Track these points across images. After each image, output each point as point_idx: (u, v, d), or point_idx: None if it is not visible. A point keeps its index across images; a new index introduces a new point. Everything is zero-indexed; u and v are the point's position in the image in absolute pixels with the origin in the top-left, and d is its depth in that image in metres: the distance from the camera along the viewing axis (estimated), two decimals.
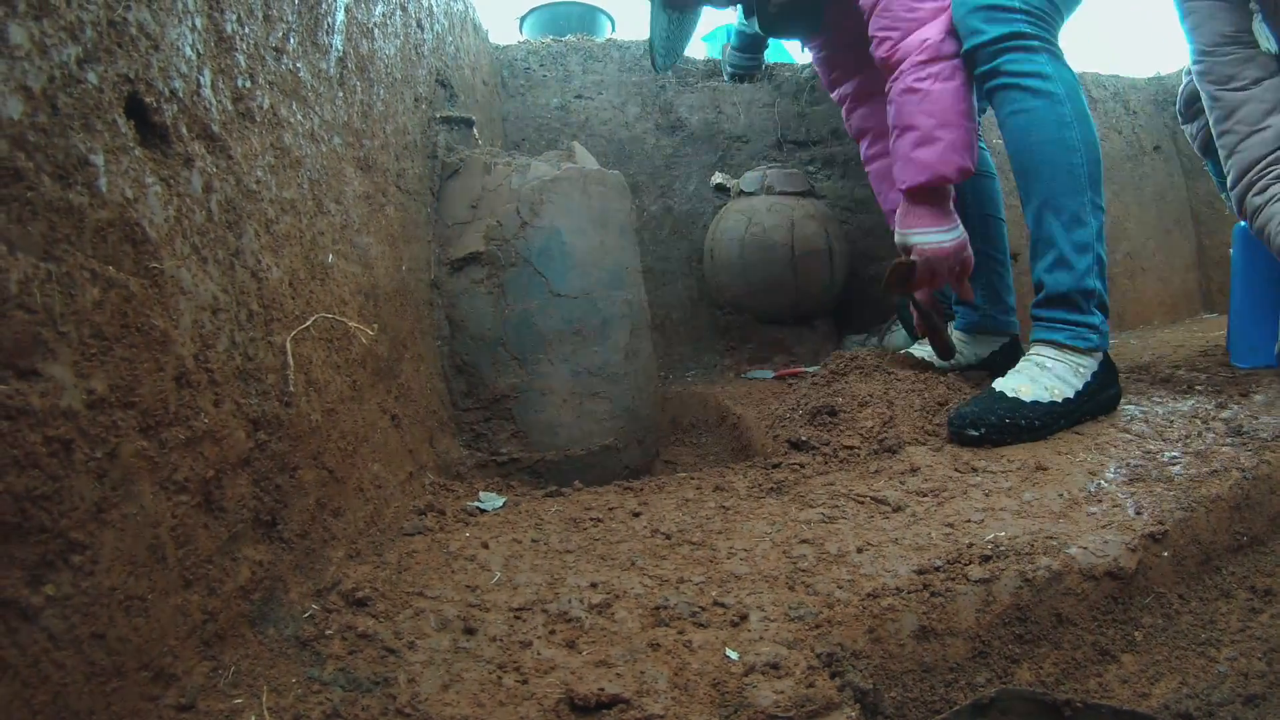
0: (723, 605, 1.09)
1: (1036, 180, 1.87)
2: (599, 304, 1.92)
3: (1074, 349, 1.82)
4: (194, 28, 0.95)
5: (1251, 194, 1.76)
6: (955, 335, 2.41)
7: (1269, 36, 1.70)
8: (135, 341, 0.81)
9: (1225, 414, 1.70)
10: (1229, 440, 1.54)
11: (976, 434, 1.69)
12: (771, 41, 3.46)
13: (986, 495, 1.40)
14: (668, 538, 1.34)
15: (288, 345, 1.13)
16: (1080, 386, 1.78)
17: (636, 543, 1.33)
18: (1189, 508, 1.26)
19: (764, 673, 0.93)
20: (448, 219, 1.92)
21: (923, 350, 2.68)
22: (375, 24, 1.58)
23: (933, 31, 1.89)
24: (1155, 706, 1.08)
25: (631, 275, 2.03)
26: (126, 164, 0.82)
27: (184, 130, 0.93)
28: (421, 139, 1.90)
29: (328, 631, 1.02)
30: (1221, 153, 1.84)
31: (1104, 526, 1.22)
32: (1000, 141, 1.99)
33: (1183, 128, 2.50)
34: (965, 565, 1.13)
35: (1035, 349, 1.87)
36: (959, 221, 1.96)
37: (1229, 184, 1.84)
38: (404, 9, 1.78)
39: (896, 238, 1.97)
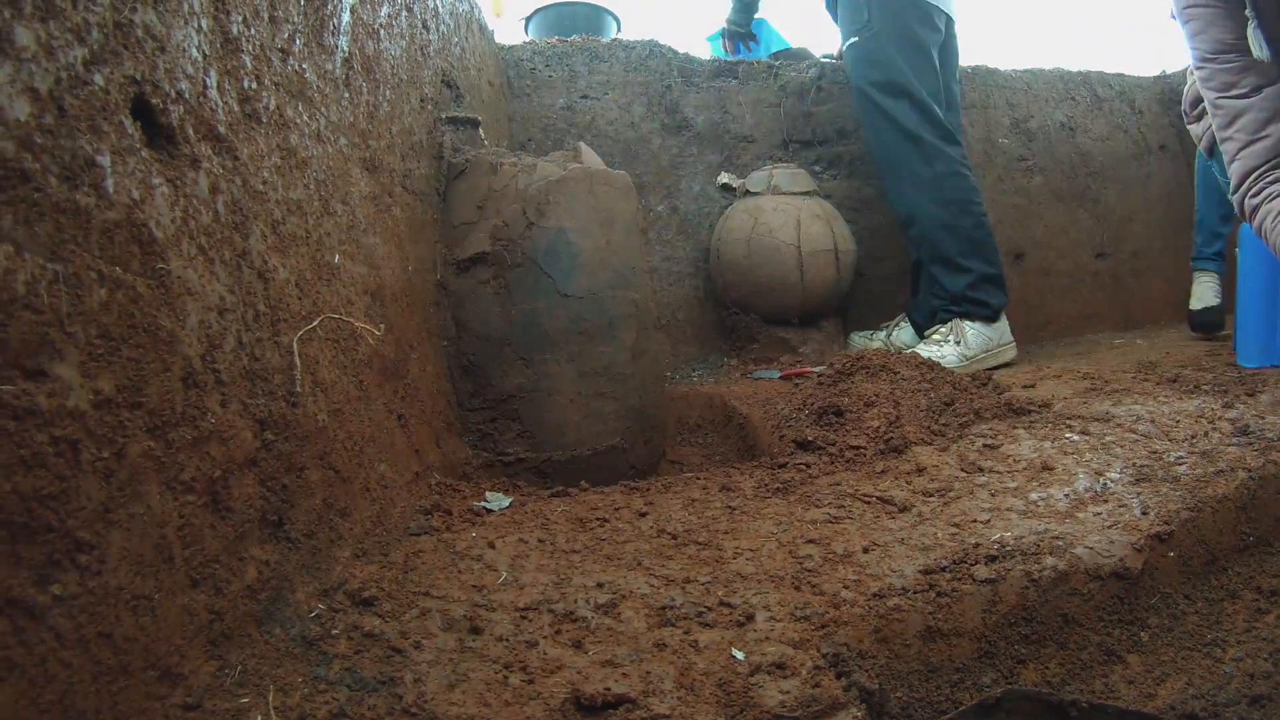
0: (729, 605, 1.09)
1: None
2: (605, 304, 1.92)
3: None
4: (200, 29, 0.96)
5: (1249, 196, 1.76)
6: None
7: (1262, 44, 1.70)
8: (142, 342, 0.82)
9: (1231, 414, 1.69)
10: (1235, 440, 1.54)
11: None
12: (766, 29, 3.62)
13: (993, 495, 1.40)
14: (674, 538, 1.34)
15: (294, 346, 1.13)
16: None
17: (643, 543, 1.33)
18: (1195, 508, 1.26)
19: (770, 673, 0.93)
20: (454, 219, 1.92)
21: (928, 350, 2.69)
22: (381, 25, 1.58)
23: None
24: (1161, 707, 1.07)
25: (638, 275, 2.03)
26: (133, 165, 0.82)
27: (190, 131, 0.93)
28: (427, 140, 1.90)
29: (334, 631, 1.02)
30: (1225, 159, 1.84)
31: (1110, 527, 1.22)
32: None
33: (1189, 128, 2.49)
34: (971, 565, 1.13)
35: None
36: None
37: (1230, 189, 1.84)
38: (409, 10, 1.78)
39: None
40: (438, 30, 2.04)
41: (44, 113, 0.70)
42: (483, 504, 1.57)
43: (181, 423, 0.87)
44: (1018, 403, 1.93)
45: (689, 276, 3.40)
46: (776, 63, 3.61)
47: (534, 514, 1.51)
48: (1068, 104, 4.01)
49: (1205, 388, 1.97)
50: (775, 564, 1.21)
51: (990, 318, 2.91)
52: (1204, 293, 3.36)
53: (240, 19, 1.05)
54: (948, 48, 3.16)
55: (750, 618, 1.05)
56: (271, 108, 1.13)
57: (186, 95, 0.93)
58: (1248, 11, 1.72)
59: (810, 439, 1.83)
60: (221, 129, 1.00)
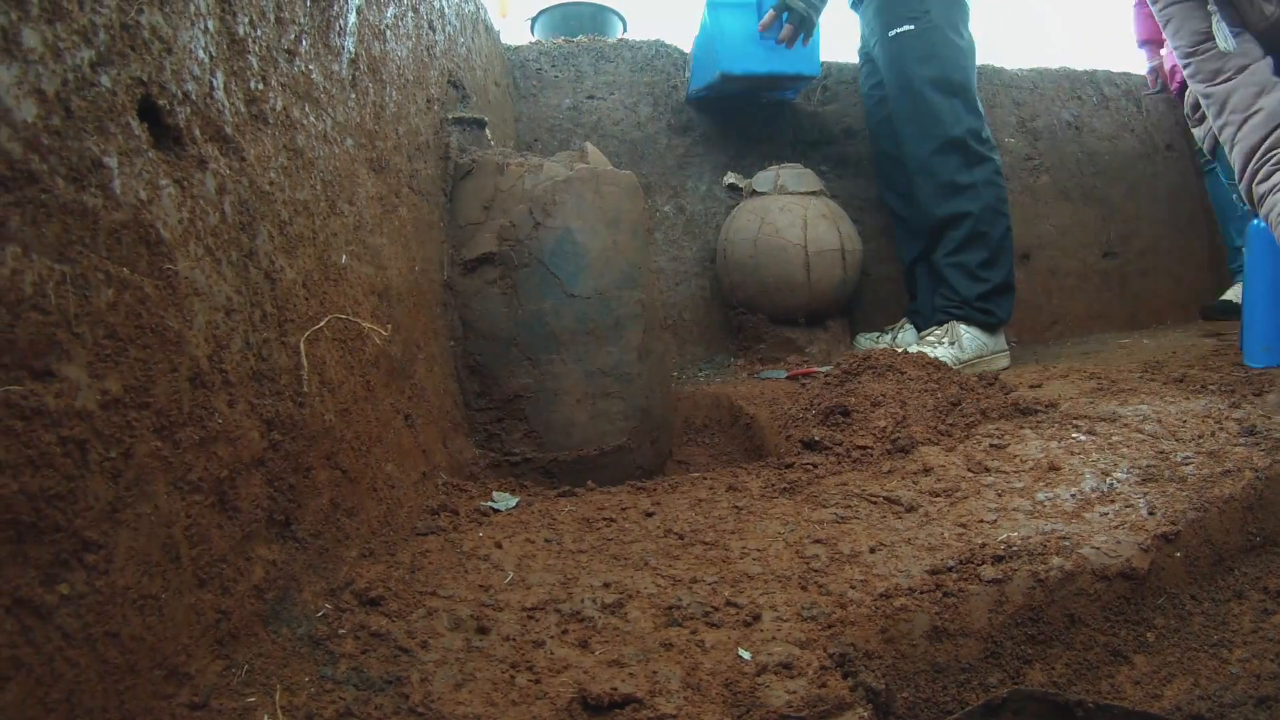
0: (735, 605, 1.09)
1: None
2: (612, 304, 1.92)
3: None
4: (206, 30, 0.96)
5: (1256, 182, 1.75)
6: None
7: (1227, 35, 1.71)
8: (149, 342, 0.82)
9: (1238, 414, 1.69)
10: (1242, 440, 1.53)
11: None
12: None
13: (999, 495, 1.40)
14: (681, 538, 1.34)
15: (301, 346, 1.14)
16: None
17: (649, 543, 1.33)
18: (1202, 508, 1.25)
19: (776, 673, 0.93)
20: (460, 220, 1.93)
21: (935, 349, 2.68)
22: (387, 26, 1.59)
23: None
24: (1167, 708, 1.07)
25: (644, 275, 2.03)
26: (140, 166, 0.82)
27: (197, 132, 0.93)
28: (434, 140, 1.91)
29: (341, 630, 1.02)
30: (1225, 147, 1.84)
31: (1116, 527, 1.22)
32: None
33: (1193, 130, 2.49)
34: (978, 565, 1.12)
35: None
36: None
37: (1236, 175, 1.84)
38: (415, 11, 1.79)
39: None
40: (443, 31, 2.04)
41: (51, 114, 0.70)
42: (489, 504, 1.57)
43: (189, 423, 0.87)
44: (1024, 403, 1.92)
45: (695, 276, 3.40)
46: None
47: (541, 514, 1.51)
48: (1074, 103, 4.00)
49: (1212, 387, 1.96)
50: (782, 564, 1.21)
51: (992, 327, 2.87)
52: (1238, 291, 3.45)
53: (247, 20, 1.06)
54: None
55: (757, 618, 1.05)
56: (278, 108, 1.14)
57: (193, 96, 0.93)
58: (1210, 7, 1.73)
59: (817, 439, 1.82)
60: (228, 130, 1.00)
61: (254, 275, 1.04)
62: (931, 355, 2.38)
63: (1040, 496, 1.37)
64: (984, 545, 1.18)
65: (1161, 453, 1.54)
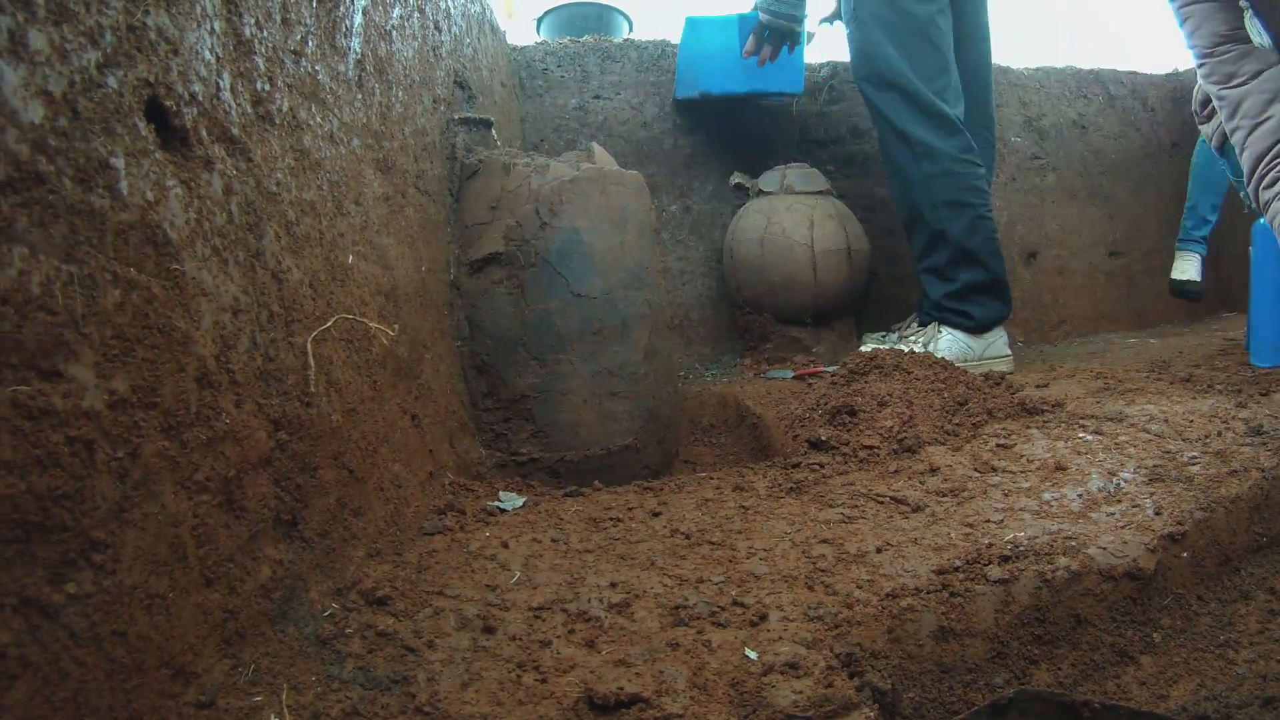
0: (742, 605, 1.09)
1: None
2: (618, 304, 1.92)
3: None
4: (213, 31, 0.96)
5: (1262, 187, 1.75)
6: None
7: (1260, 30, 1.70)
8: (157, 342, 0.82)
9: (1245, 413, 1.68)
10: (1248, 440, 1.53)
11: None
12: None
13: (1006, 495, 1.40)
14: (687, 537, 1.34)
15: (308, 346, 1.14)
16: None
17: (656, 542, 1.33)
18: (1208, 508, 1.25)
19: (783, 672, 0.93)
20: (467, 220, 1.93)
21: (942, 350, 2.67)
22: (393, 26, 1.59)
23: None
24: (1173, 708, 1.07)
25: (651, 275, 2.03)
26: (147, 167, 0.83)
27: (204, 133, 0.94)
28: (440, 140, 1.91)
29: (347, 630, 1.03)
30: (1236, 150, 1.84)
31: (1123, 527, 1.21)
32: None
33: (1200, 128, 2.48)
34: (984, 566, 1.12)
35: None
36: None
37: (1245, 179, 1.83)
38: (421, 11, 1.79)
39: None
40: (449, 31, 2.04)
41: (58, 115, 0.70)
42: (496, 504, 1.57)
43: (196, 423, 0.88)
44: (1031, 402, 1.92)
45: (702, 276, 3.40)
46: None
47: (547, 514, 1.51)
48: (1080, 102, 3.99)
49: (1218, 387, 1.96)
50: (788, 564, 1.21)
51: (973, 329, 2.70)
52: (1186, 267, 3.65)
53: (253, 21, 1.06)
54: (964, 19, 2.86)
55: (763, 617, 1.05)
56: (285, 109, 1.14)
57: (200, 97, 0.93)
58: (1242, 2, 1.72)
59: (823, 439, 1.82)
60: (235, 131, 1.00)
61: (261, 275, 1.04)
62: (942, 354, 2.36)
63: (1047, 496, 1.37)
64: (990, 545, 1.18)
65: (1168, 453, 1.53)
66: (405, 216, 1.61)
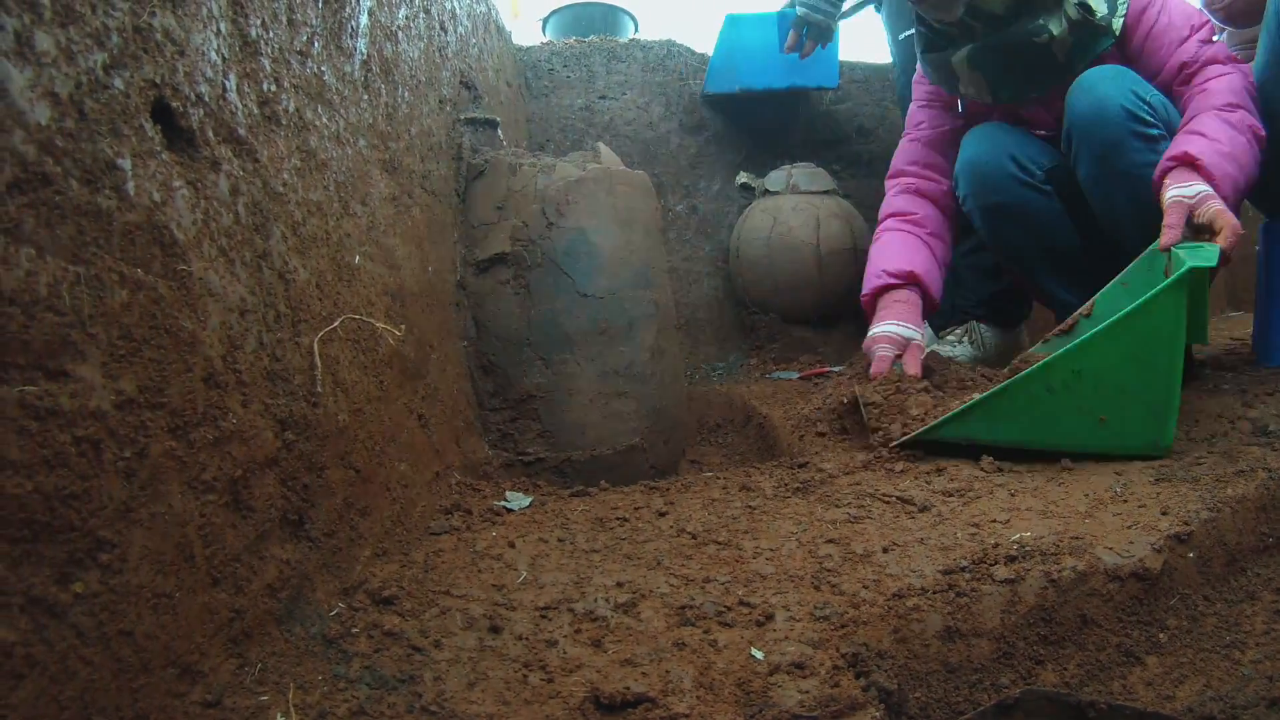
0: (748, 605, 1.09)
1: None
2: (625, 304, 1.92)
3: None
4: (219, 32, 0.96)
5: None
6: None
7: None
8: (164, 343, 0.82)
9: (1252, 413, 1.67)
10: (1255, 440, 1.52)
11: None
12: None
13: (1012, 495, 1.39)
14: (694, 537, 1.34)
15: (315, 346, 1.14)
16: None
17: (662, 542, 1.33)
18: (1215, 508, 1.25)
19: (789, 672, 0.93)
20: (473, 220, 1.93)
21: (954, 349, 2.66)
22: (399, 27, 1.59)
23: None
24: (1179, 709, 1.06)
25: (657, 275, 2.03)
26: (154, 168, 0.83)
27: (210, 134, 0.94)
28: (446, 141, 1.91)
29: (354, 630, 1.03)
30: None
31: (1129, 527, 1.21)
32: None
33: None
34: (991, 566, 1.12)
35: None
36: None
37: None
38: (427, 12, 1.79)
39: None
40: (455, 32, 2.05)
41: (65, 117, 0.71)
42: (503, 503, 1.57)
43: (203, 423, 0.88)
44: None
45: (708, 276, 3.39)
46: None
47: (554, 513, 1.52)
48: None
49: (1225, 387, 1.95)
50: (795, 564, 1.21)
51: (1010, 325, 2.79)
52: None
53: (259, 22, 1.06)
54: None
55: (770, 617, 1.05)
56: (291, 110, 1.14)
57: (206, 98, 0.93)
58: None
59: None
60: (241, 131, 1.01)
61: (268, 276, 1.04)
62: (949, 355, 2.37)
63: (1053, 496, 1.36)
64: (997, 545, 1.18)
65: (1174, 452, 1.53)
66: (411, 217, 1.62)
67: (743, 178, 3.42)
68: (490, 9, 2.56)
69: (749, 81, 3.19)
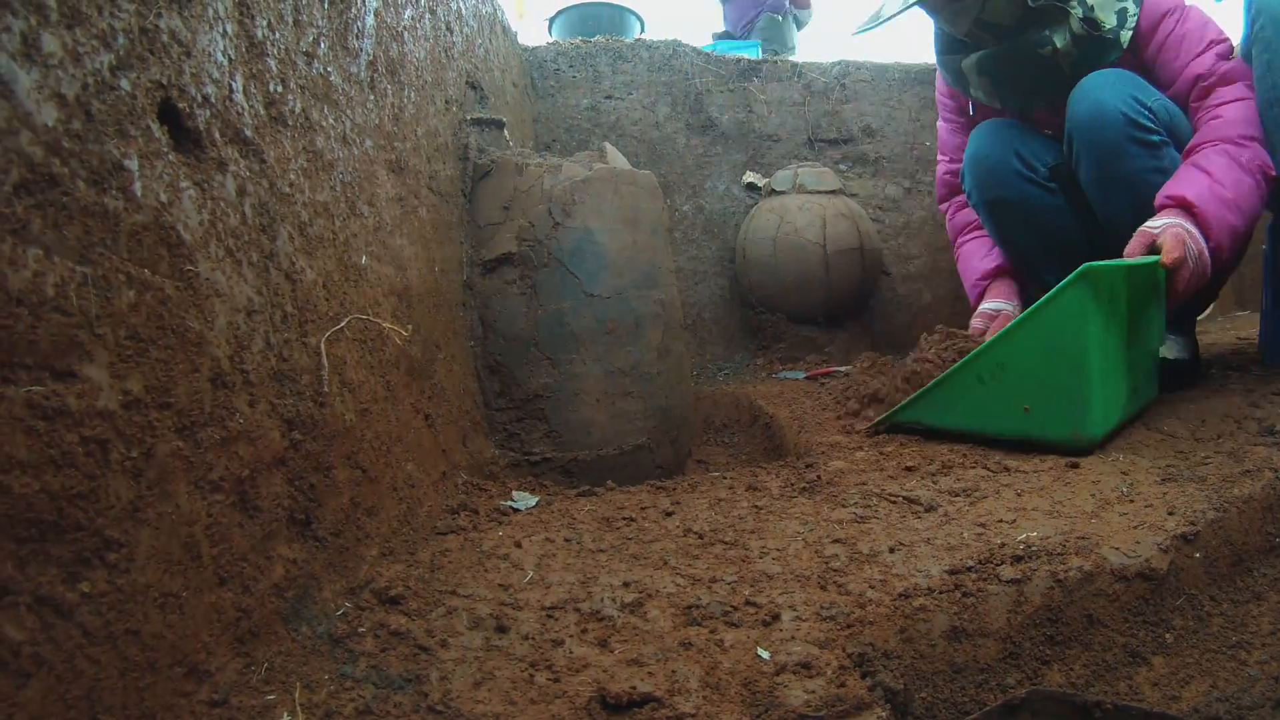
0: (755, 605, 1.08)
1: None
2: (631, 304, 1.92)
3: None
4: (225, 34, 0.96)
5: None
6: None
7: None
8: (171, 343, 0.82)
9: (1258, 413, 1.67)
10: (1262, 440, 1.52)
11: None
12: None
13: (1018, 495, 1.39)
14: (700, 537, 1.34)
15: (322, 346, 1.14)
16: None
17: (669, 542, 1.33)
18: (1221, 508, 1.24)
19: (795, 672, 0.93)
20: (480, 220, 1.93)
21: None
22: (404, 28, 1.59)
23: None
24: (1185, 709, 1.06)
25: (664, 275, 2.03)
26: (161, 169, 0.83)
27: (217, 135, 0.94)
28: (453, 141, 1.91)
29: (360, 629, 1.03)
30: None
31: (1136, 527, 1.21)
32: None
33: None
34: (997, 565, 1.12)
35: None
36: None
37: None
38: (433, 12, 1.79)
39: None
40: (461, 32, 2.05)
41: (71, 118, 0.71)
42: (509, 503, 1.57)
43: (210, 423, 0.88)
44: None
45: (715, 276, 3.39)
46: (800, 61, 3.60)
47: (560, 513, 1.52)
48: None
49: (1232, 386, 1.94)
50: (801, 563, 1.20)
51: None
52: None
53: (265, 23, 1.06)
54: None
55: (776, 617, 1.05)
56: (297, 111, 1.14)
57: (213, 99, 0.93)
58: None
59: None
60: (248, 132, 1.01)
61: (274, 276, 1.04)
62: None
63: (1059, 496, 1.36)
64: (1003, 545, 1.17)
65: (1181, 452, 1.53)
66: (418, 217, 1.62)
67: (749, 177, 3.42)
68: (496, 9, 2.56)
69: None
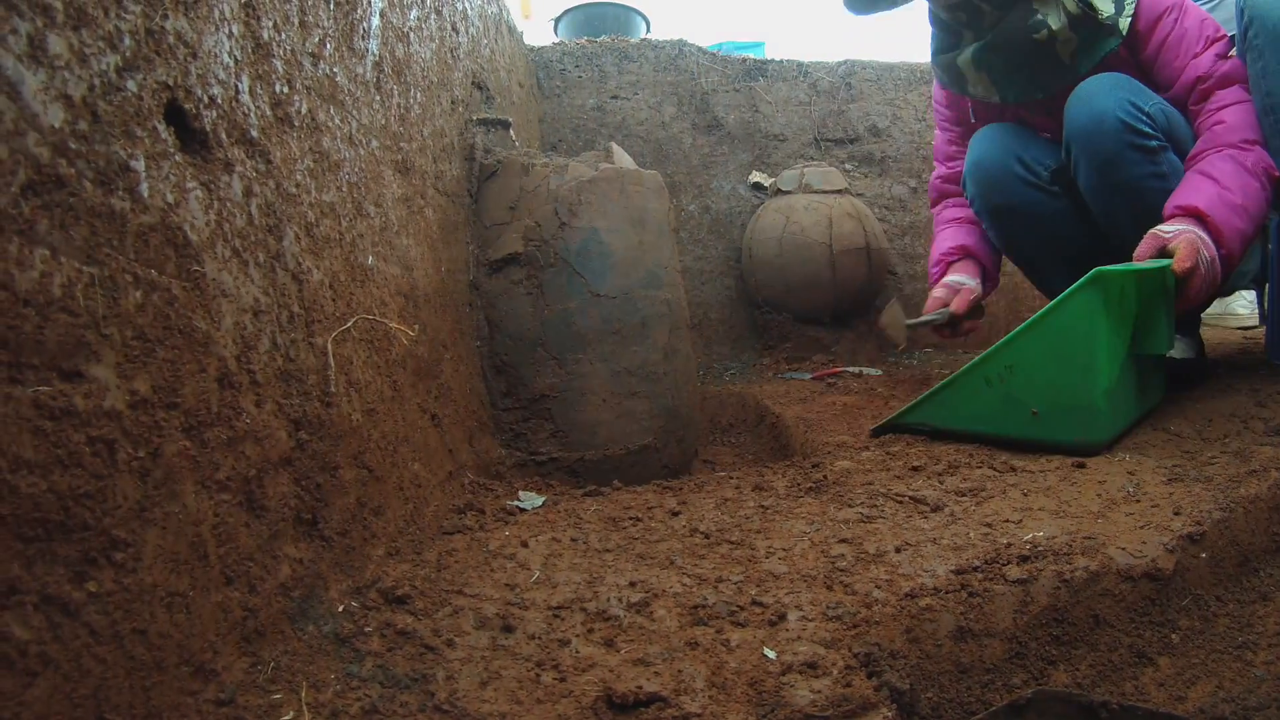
0: (761, 604, 1.08)
1: None
2: (638, 304, 1.92)
3: None
4: (231, 35, 0.97)
5: None
6: None
7: None
8: (178, 343, 0.83)
9: (1265, 413, 1.67)
10: (1268, 439, 1.51)
11: None
12: None
13: (1025, 495, 1.39)
14: (706, 537, 1.34)
15: (329, 346, 1.14)
16: None
17: (675, 542, 1.33)
18: (1227, 508, 1.24)
19: (801, 672, 0.93)
20: (486, 220, 1.93)
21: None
22: (410, 28, 1.60)
23: None
24: (1191, 710, 1.06)
25: (670, 275, 2.03)
26: (167, 169, 0.83)
27: (224, 136, 0.94)
28: (459, 141, 1.92)
29: (367, 629, 1.03)
30: None
31: (1142, 527, 1.20)
32: None
33: None
34: (1003, 566, 1.11)
35: None
36: None
37: None
38: (438, 13, 1.79)
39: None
40: (467, 33, 2.05)
41: (78, 119, 0.71)
42: (516, 503, 1.57)
43: (217, 423, 0.88)
44: None
45: (721, 276, 3.39)
46: (806, 61, 3.59)
47: (567, 513, 1.52)
48: None
49: (1238, 386, 1.94)
50: (807, 563, 1.20)
51: None
52: None
53: (271, 24, 1.06)
54: None
55: (782, 617, 1.05)
56: (303, 111, 1.14)
57: (219, 100, 0.94)
58: None
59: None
60: (254, 133, 1.01)
61: (281, 277, 1.05)
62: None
63: (1066, 496, 1.36)
64: (1009, 545, 1.17)
65: (1187, 452, 1.52)
66: (424, 217, 1.62)
67: (755, 177, 3.42)
68: (502, 9, 2.57)
69: None
